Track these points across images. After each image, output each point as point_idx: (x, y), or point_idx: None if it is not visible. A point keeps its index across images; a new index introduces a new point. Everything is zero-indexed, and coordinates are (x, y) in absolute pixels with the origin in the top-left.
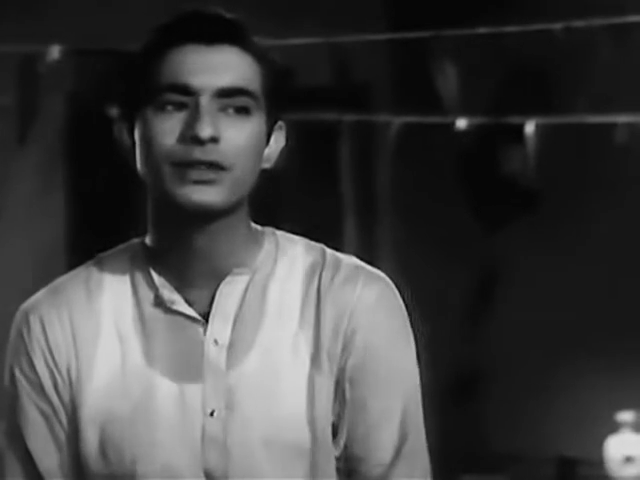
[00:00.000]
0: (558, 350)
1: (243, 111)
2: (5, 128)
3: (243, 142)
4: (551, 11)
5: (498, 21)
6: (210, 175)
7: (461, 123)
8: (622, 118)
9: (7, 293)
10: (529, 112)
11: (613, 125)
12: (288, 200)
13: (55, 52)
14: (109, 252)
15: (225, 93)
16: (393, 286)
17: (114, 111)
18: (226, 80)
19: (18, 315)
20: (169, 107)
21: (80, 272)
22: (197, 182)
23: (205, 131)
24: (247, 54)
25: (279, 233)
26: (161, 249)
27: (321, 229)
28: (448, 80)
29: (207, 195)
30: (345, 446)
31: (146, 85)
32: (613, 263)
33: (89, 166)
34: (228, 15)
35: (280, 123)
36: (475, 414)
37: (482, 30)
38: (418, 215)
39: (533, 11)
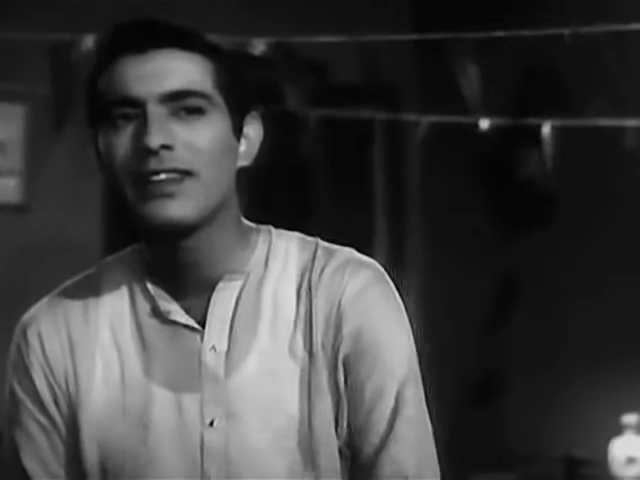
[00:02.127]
0: (567, 354)
1: (196, 111)
2: (41, 117)
3: (203, 143)
4: (571, 15)
5: (520, 24)
6: (171, 188)
7: (484, 124)
8: (636, 122)
9: (41, 281)
10: (546, 114)
11: (628, 129)
12: (318, 198)
13: (89, 41)
14: (110, 259)
15: (170, 97)
16: (383, 271)
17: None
18: (169, 85)
19: (17, 328)
20: (119, 121)
21: (79, 282)
22: (158, 197)
23: (154, 141)
24: (192, 54)
25: (275, 231)
26: (153, 259)
27: (352, 227)
28: (470, 81)
29: (171, 210)
30: (348, 437)
31: (97, 102)
32: (624, 267)
33: None
34: (166, 21)
35: (253, 114)
36: (486, 414)
37: (502, 33)
38: (443, 216)
39: (553, 15)
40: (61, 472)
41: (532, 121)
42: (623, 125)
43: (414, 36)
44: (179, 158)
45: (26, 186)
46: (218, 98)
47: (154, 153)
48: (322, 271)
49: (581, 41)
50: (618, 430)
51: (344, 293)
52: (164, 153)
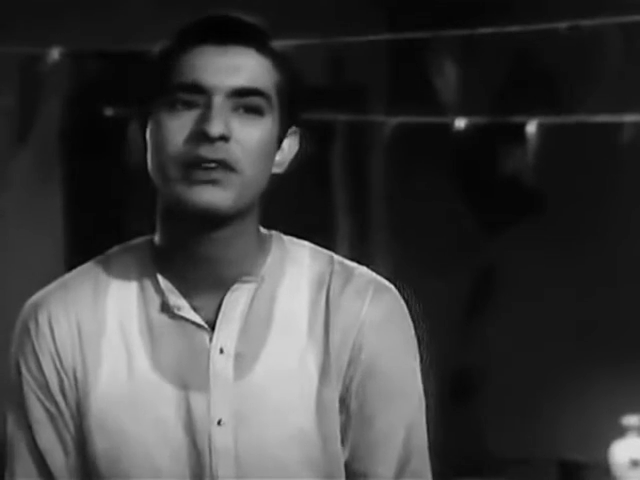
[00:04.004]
0: (563, 353)
1: (255, 111)
2: (4, 128)
3: (254, 143)
4: (554, 10)
5: (499, 20)
6: (217, 175)
7: (460, 123)
8: (627, 118)
9: (5, 296)
10: (531, 112)
11: (616, 125)
12: (281, 200)
13: (55, 54)
14: (118, 249)
15: (238, 93)
16: (401, 300)
17: (113, 112)
18: (240, 80)
19: (27, 308)
20: (180, 106)
21: (89, 270)
22: (203, 182)
23: (215, 129)
24: (263, 57)
25: (286, 238)
26: (168, 253)
27: (314, 229)
28: (447, 80)
29: (213, 196)
30: (348, 460)
31: (160, 85)
32: (616, 265)
33: (87, 168)
34: (246, 18)
35: (294, 129)
36: (478, 417)
37: (482, 30)
38: (413, 215)
39: (536, 10)
40: (67, 458)
41: (514, 118)
42: (613, 121)
43: (385, 36)
44: (231, 151)
45: None
46: (276, 104)
47: (211, 141)
48: (342, 290)
49: (566, 36)
50: (617, 432)
51: (365, 320)
52: (219, 144)
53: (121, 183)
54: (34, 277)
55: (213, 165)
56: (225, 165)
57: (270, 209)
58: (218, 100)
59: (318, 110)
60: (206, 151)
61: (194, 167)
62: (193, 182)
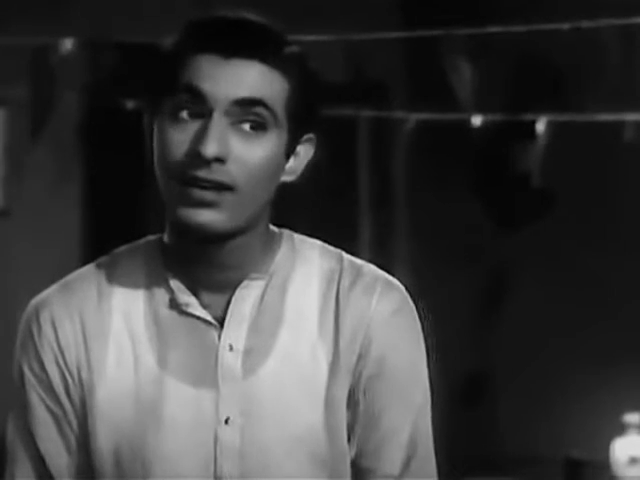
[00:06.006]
0: (566, 352)
1: (257, 126)
2: (19, 122)
3: (255, 162)
4: (563, 10)
5: (511, 19)
6: (211, 197)
7: (476, 120)
8: (632, 116)
9: (21, 291)
10: (541, 110)
11: (623, 123)
12: (304, 197)
13: (68, 45)
14: (124, 248)
15: (239, 104)
16: (408, 296)
17: (133, 104)
18: (240, 92)
19: (28, 311)
20: (184, 114)
21: (93, 270)
22: (199, 204)
23: (210, 150)
24: (268, 67)
25: (296, 237)
26: (177, 254)
27: (337, 225)
28: (462, 77)
29: (207, 217)
30: (355, 457)
31: (163, 84)
32: (622, 263)
33: (104, 159)
34: (257, 22)
35: (310, 136)
36: (482, 416)
37: (495, 29)
38: (431, 211)
39: (546, 10)
40: (70, 458)
41: (526, 116)
42: (620, 119)
43: (404, 33)
44: (227, 172)
45: (6, 191)
46: (283, 118)
47: (206, 162)
48: (351, 286)
49: (575, 35)
50: (619, 429)
51: (373, 315)
52: (215, 165)
53: (138, 176)
54: (51, 277)
55: (207, 185)
56: (220, 186)
57: (292, 205)
58: (217, 115)
59: (340, 107)
60: (201, 172)
61: (190, 185)
62: (189, 202)
